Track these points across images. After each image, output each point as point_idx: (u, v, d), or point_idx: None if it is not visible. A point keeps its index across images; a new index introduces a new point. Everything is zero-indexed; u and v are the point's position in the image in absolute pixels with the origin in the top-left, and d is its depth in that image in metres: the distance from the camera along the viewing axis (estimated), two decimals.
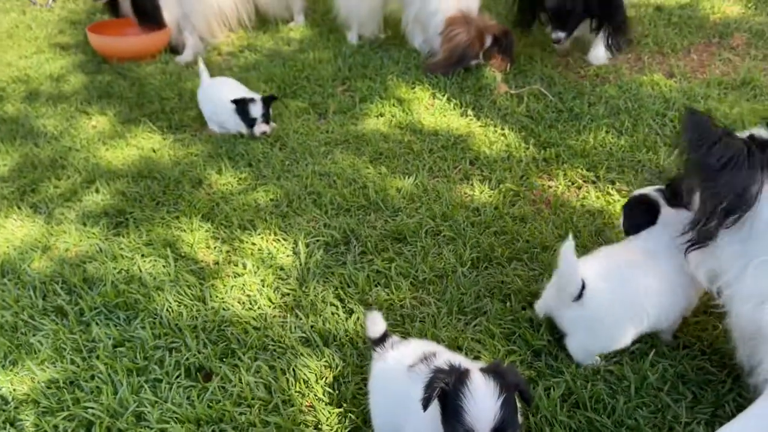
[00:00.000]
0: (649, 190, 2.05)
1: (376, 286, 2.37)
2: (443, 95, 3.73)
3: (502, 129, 3.36)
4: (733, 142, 1.62)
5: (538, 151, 3.16)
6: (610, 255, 1.96)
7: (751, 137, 1.67)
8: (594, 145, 3.14)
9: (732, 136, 1.65)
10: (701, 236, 1.69)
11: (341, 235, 2.64)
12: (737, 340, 1.73)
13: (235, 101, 3.43)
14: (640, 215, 2.00)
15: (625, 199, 2.21)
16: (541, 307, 2.09)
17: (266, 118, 3.46)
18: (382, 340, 1.76)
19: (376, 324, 1.75)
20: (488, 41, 3.90)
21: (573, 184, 2.89)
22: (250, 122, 3.44)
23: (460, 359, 1.59)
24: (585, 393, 1.84)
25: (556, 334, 2.05)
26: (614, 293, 1.82)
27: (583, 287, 1.79)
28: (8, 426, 1.91)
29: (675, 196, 1.94)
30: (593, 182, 2.89)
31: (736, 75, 3.65)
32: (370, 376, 1.78)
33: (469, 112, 3.55)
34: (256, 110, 3.41)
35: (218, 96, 3.55)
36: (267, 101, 3.46)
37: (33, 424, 1.91)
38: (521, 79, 3.84)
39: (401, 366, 1.63)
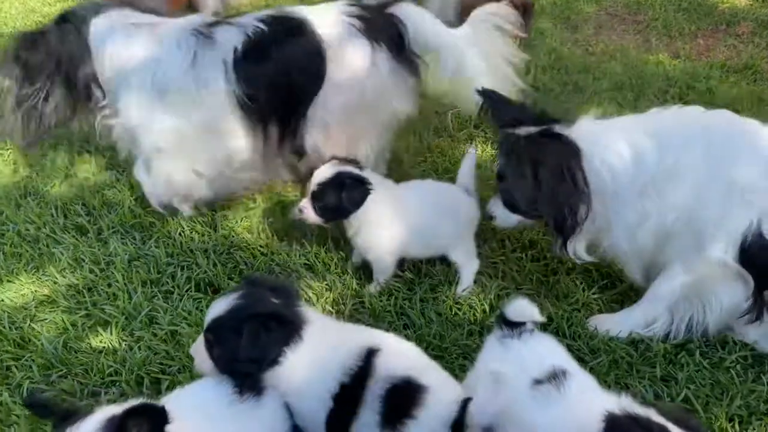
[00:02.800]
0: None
1: None
2: None
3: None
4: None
5: None
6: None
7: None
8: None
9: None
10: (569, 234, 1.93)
11: None
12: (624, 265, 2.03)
13: None
14: None
15: None
16: None
17: None
18: (516, 326, 1.48)
19: (524, 310, 1.50)
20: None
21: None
22: None
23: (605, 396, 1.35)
24: (564, 323, 1.98)
25: (546, 279, 2.20)
26: None
27: None
28: (29, 321, 2.06)
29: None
30: None
31: (739, 60, 3.77)
32: (482, 355, 1.58)
33: None
34: None
35: None
36: None
37: (53, 321, 2.06)
38: (529, 51, 3.93)
39: (523, 373, 1.38)
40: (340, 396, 1.45)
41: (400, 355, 1.53)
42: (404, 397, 1.41)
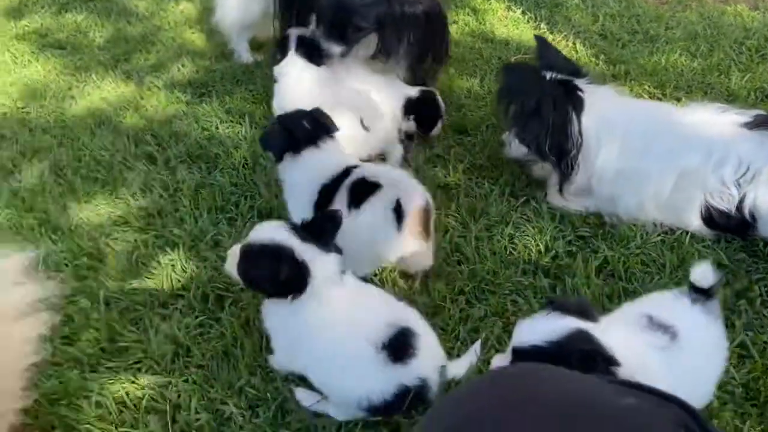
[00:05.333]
0: None
1: (434, 167, 2.53)
2: (518, 8, 3.76)
3: (574, 44, 3.39)
4: (543, 88, 2.10)
5: (607, 67, 3.19)
6: None
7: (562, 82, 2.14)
8: (665, 66, 3.14)
9: (543, 83, 2.13)
10: (565, 176, 2.17)
11: None
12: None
13: None
14: None
15: None
16: None
17: None
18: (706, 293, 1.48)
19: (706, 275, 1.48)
20: None
21: (639, 98, 2.93)
22: None
23: None
24: (620, 266, 1.98)
25: (602, 223, 2.18)
26: None
27: None
28: (104, 238, 2.19)
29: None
30: (659, 99, 2.93)
31: None
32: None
33: (543, 26, 3.58)
34: None
35: None
36: None
37: (125, 239, 2.19)
38: None
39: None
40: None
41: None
42: None
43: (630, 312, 1.49)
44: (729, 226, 2.04)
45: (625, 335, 1.35)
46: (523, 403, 0.81)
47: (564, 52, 3.30)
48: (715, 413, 1.54)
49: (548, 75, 2.17)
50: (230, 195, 2.37)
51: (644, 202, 2.11)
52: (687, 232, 2.08)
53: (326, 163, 1.99)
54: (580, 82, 2.16)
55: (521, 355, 1.31)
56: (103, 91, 3.14)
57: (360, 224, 1.83)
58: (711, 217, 2.04)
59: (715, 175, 2.00)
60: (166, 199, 2.36)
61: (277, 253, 1.50)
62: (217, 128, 2.78)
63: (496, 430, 0.77)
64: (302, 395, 1.61)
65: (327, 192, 1.93)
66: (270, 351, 1.74)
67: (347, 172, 1.93)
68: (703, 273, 1.47)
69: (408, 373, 1.47)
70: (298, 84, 2.49)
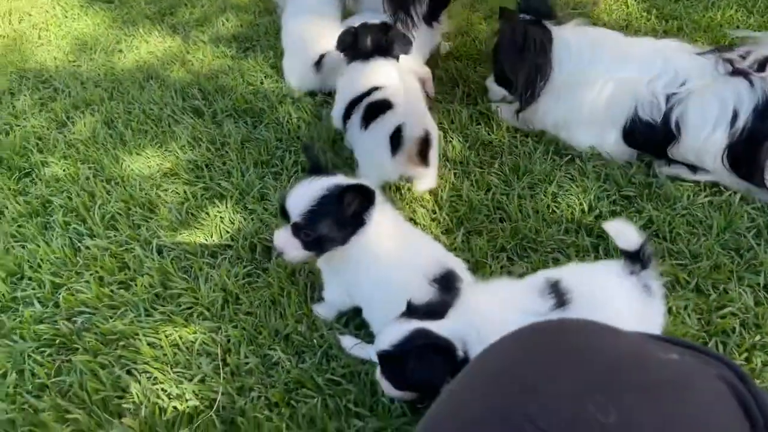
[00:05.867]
0: None
1: (477, 125, 2.52)
2: None
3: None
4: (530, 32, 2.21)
5: (659, 22, 3.08)
6: None
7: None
8: (720, 22, 3.02)
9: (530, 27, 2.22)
10: (525, 103, 2.30)
11: (449, 77, 2.76)
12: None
13: None
14: None
15: None
16: None
17: None
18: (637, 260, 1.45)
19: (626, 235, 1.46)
20: None
21: None
22: None
23: None
24: (665, 227, 1.96)
25: (648, 182, 2.15)
26: None
27: None
28: (155, 189, 2.27)
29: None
30: None
31: None
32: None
33: None
34: None
35: None
36: None
37: (175, 191, 2.26)
38: None
39: None
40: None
41: None
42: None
43: (548, 275, 1.50)
44: (649, 140, 2.14)
45: (499, 308, 1.42)
46: (571, 351, 0.83)
47: (614, 8, 3.21)
48: None
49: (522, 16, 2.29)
50: (275, 149, 2.41)
51: (574, 115, 2.26)
52: (736, 193, 2.04)
53: (360, 80, 2.20)
54: (548, 24, 2.28)
55: (381, 359, 1.44)
56: (150, 45, 3.19)
57: (365, 142, 2.12)
58: (633, 131, 2.15)
59: (649, 86, 2.09)
60: (213, 152, 2.42)
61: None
62: (261, 83, 2.80)
63: (544, 373, 0.80)
64: (347, 342, 1.67)
65: (351, 106, 2.20)
66: (315, 300, 1.80)
67: (371, 91, 2.14)
68: (617, 230, 1.45)
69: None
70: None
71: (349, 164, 2.31)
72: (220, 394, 1.61)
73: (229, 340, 1.74)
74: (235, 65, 2.94)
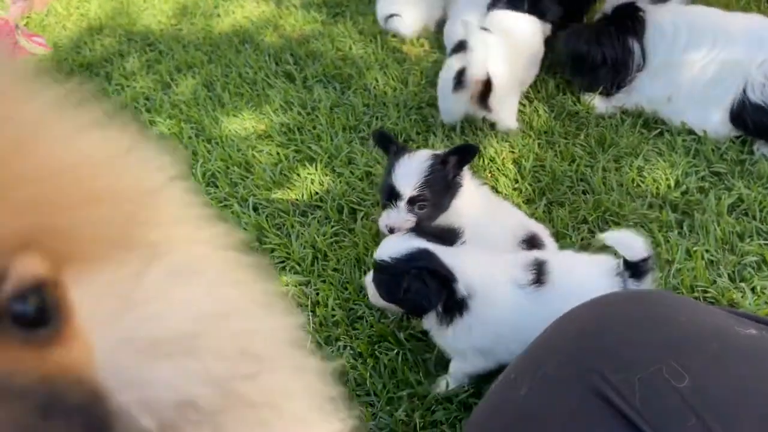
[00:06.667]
0: None
1: (564, 95, 2.50)
2: None
3: None
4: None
5: None
6: None
7: None
8: None
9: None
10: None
11: None
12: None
13: None
14: None
15: None
16: None
17: None
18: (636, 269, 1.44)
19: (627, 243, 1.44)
20: None
21: None
22: None
23: None
24: (756, 205, 1.91)
25: (741, 159, 2.10)
26: None
27: None
28: (251, 150, 2.42)
29: None
30: None
31: None
32: None
33: None
34: None
35: None
36: None
37: (269, 152, 2.41)
38: None
39: None
40: None
41: None
42: None
43: (538, 255, 1.54)
44: (757, 124, 2.07)
45: (488, 265, 1.45)
46: (649, 319, 0.88)
47: None
48: None
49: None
50: (362, 115, 2.50)
51: (672, 93, 2.24)
52: None
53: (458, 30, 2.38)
54: (641, 3, 2.30)
55: (377, 267, 1.46)
56: (245, 10, 3.33)
57: (440, 79, 2.32)
58: (741, 113, 2.08)
59: (761, 68, 2.03)
60: (304, 116, 2.54)
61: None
62: (350, 48, 2.89)
63: (621, 338, 0.85)
64: None
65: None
66: None
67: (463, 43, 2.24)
68: (621, 240, 1.43)
69: None
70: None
71: (433, 131, 2.37)
72: (308, 342, 1.75)
73: (317, 294, 1.87)
74: (325, 31, 3.03)
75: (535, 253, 1.56)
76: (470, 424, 1.05)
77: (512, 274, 1.46)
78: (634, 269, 1.43)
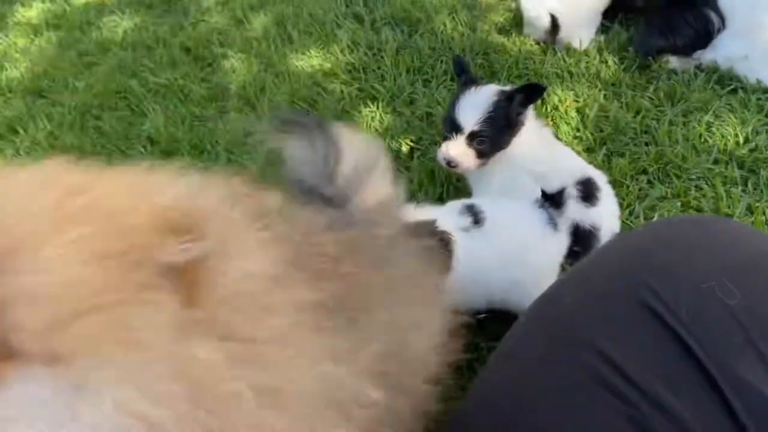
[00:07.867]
0: None
1: (636, 52, 2.43)
2: None
3: None
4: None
5: None
6: None
7: None
8: None
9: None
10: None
11: None
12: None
13: None
14: None
15: None
16: None
17: None
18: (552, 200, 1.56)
19: None
20: None
21: None
22: None
23: None
24: None
25: None
26: None
27: None
28: (316, 87, 2.48)
29: None
30: None
31: None
32: None
33: None
34: None
35: None
36: None
37: (333, 90, 2.46)
38: None
39: None
40: None
41: None
42: None
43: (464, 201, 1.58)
44: None
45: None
46: (703, 240, 0.86)
47: None
48: None
49: None
50: (428, 58, 2.51)
51: (752, 51, 2.17)
52: None
53: None
54: None
55: None
56: None
57: None
58: None
59: None
60: (370, 57, 2.57)
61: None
62: None
63: (673, 256, 0.84)
64: None
65: None
66: (451, 198, 1.94)
67: None
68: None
69: (586, 216, 1.62)
70: None
71: (498, 77, 2.36)
72: None
73: None
74: None
75: (461, 202, 1.59)
76: (506, 339, 1.06)
77: (455, 222, 1.49)
78: (551, 199, 1.52)
